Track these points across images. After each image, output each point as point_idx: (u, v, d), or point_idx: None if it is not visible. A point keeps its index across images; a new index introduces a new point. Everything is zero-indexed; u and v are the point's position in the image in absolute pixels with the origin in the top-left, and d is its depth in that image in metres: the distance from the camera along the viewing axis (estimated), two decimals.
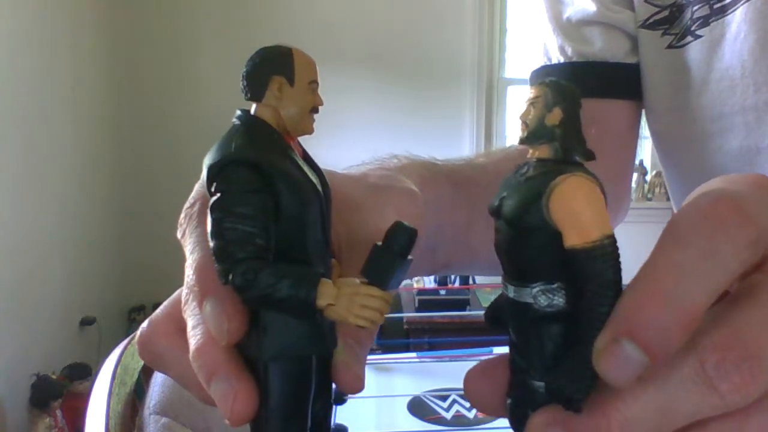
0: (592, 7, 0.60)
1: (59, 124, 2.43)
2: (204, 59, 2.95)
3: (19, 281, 2.16)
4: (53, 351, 2.32)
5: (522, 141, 0.23)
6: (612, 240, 0.21)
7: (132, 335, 0.94)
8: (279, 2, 2.93)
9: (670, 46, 0.57)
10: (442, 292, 2.71)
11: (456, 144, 3.02)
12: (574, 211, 0.21)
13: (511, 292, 0.23)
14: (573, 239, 0.21)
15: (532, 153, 0.23)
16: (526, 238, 0.22)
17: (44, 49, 2.31)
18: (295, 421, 0.24)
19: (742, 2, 0.50)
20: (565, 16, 0.62)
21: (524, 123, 0.23)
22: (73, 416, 2.13)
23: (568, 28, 0.62)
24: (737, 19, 0.51)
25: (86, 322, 2.56)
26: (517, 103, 3.06)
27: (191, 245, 0.27)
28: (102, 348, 2.50)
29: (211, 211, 0.23)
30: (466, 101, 3.03)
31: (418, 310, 2.64)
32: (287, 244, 0.23)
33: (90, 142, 2.66)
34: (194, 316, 0.25)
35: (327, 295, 0.22)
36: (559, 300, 0.22)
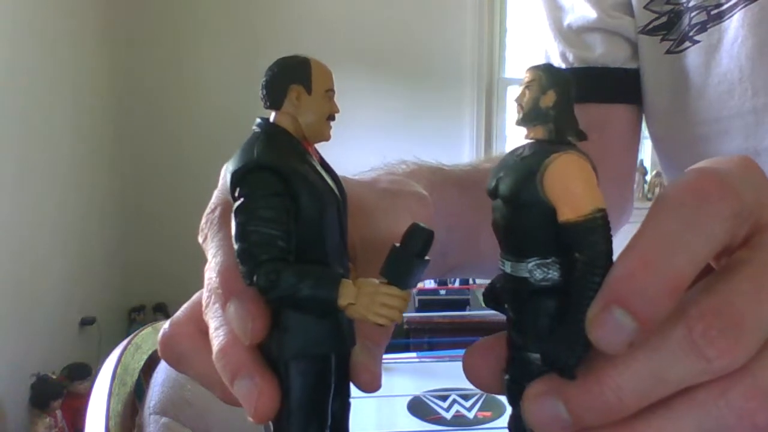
0: (592, 14, 0.61)
1: (59, 125, 2.43)
2: (205, 60, 2.95)
3: (19, 281, 2.16)
4: (53, 351, 2.32)
5: (518, 122, 0.24)
6: (603, 213, 0.21)
7: (132, 335, 0.94)
8: (279, 2, 2.93)
9: (668, 52, 0.57)
10: (442, 292, 2.71)
11: (456, 144, 3.02)
12: (566, 186, 0.22)
13: (507, 267, 0.24)
14: (566, 213, 0.22)
15: (528, 134, 0.24)
16: (522, 215, 0.23)
17: (44, 49, 2.31)
18: (315, 419, 0.25)
19: (739, 8, 0.51)
20: (565, 23, 0.63)
21: (519, 105, 0.24)
22: (73, 416, 2.13)
23: (569, 35, 0.63)
24: (734, 25, 0.52)
25: (86, 322, 2.56)
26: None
27: (214, 249, 0.28)
28: (102, 348, 2.50)
29: (235, 215, 0.24)
30: (466, 101, 3.03)
31: (418, 310, 2.64)
32: (307, 246, 0.24)
33: (90, 142, 2.66)
34: (217, 317, 0.26)
35: (348, 294, 0.23)
36: (553, 274, 0.22)
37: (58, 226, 2.42)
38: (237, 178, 0.24)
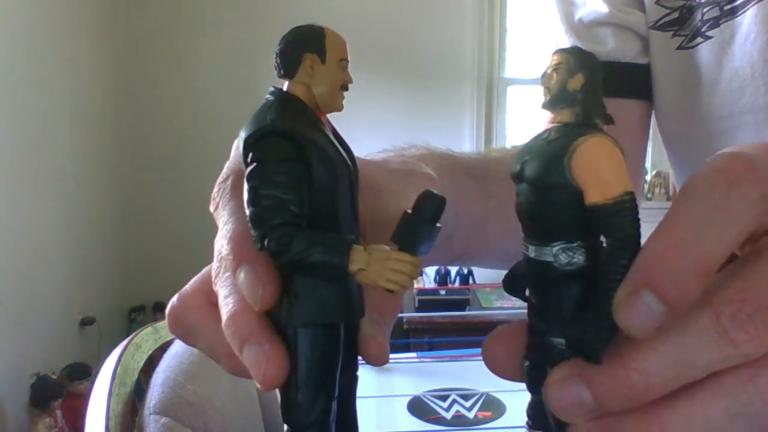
0: (603, 9, 0.61)
1: (58, 123, 2.43)
2: (205, 56, 2.95)
3: (19, 281, 2.16)
4: (53, 351, 2.32)
5: (544, 106, 0.24)
6: (632, 196, 0.21)
7: (132, 335, 0.94)
8: (280, 2, 2.93)
9: (680, 47, 0.57)
10: (442, 292, 2.71)
11: (456, 144, 2.98)
12: (595, 169, 0.21)
13: (531, 252, 0.23)
14: (594, 196, 0.21)
15: (554, 117, 0.23)
16: (548, 198, 0.22)
17: (44, 45, 2.31)
18: (323, 389, 0.25)
19: (752, 4, 0.51)
20: (576, 17, 0.63)
21: (546, 88, 0.23)
22: (73, 416, 2.13)
23: (580, 29, 0.63)
24: (747, 21, 0.52)
25: (86, 322, 2.56)
26: (517, 103, 3.06)
27: (225, 216, 0.28)
28: (102, 348, 2.50)
29: (247, 179, 0.24)
30: (466, 101, 3.03)
31: (418, 310, 2.63)
32: (319, 213, 0.24)
33: (90, 141, 2.66)
34: (226, 286, 0.26)
35: (358, 260, 0.23)
36: (579, 258, 0.22)
37: (57, 226, 2.42)
38: (250, 143, 0.24)
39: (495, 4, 2.99)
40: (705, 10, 0.54)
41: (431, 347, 2.26)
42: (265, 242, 0.23)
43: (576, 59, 0.23)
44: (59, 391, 2.12)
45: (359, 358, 0.27)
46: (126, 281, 2.91)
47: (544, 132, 0.24)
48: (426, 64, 2.97)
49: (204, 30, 2.95)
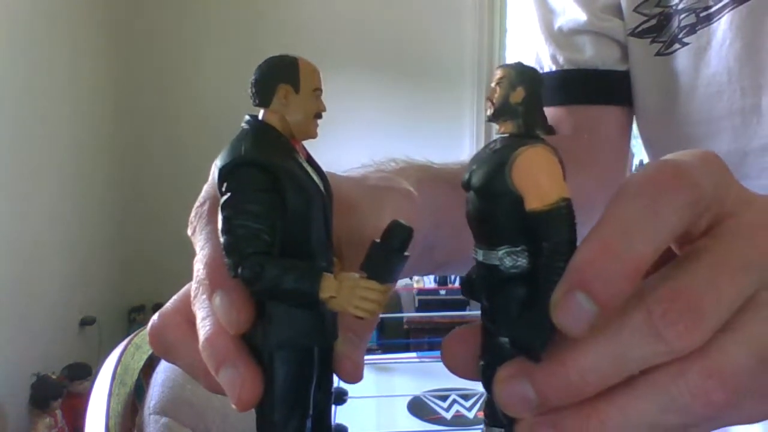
0: (582, 17, 0.62)
1: (58, 123, 2.43)
2: (206, 57, 2.95)
3: (19, 281, 2.16)
4: (53, 351, 2.32)
5: (488, 118, 0.25)
6: (568, 203, 0.23)
7: (132, 335, 0.94)
8: (279, 2, 2.93)
9: (658, 54, 0.58)
10: (442, 292, 2.72)
11: (456, 144, 3.02)
12: (533, 177, 0.23)
13: (480, 256, 0.25)
14: (533, 203, 0.23)
15: (499, 129, 0.25)
16: (493, 205, 0.24)
17: (43, 44, 2.31)
18: (298, 408, 0.26)
19: (727, 11, 0.52)
20: (556, 25, 0.64)
21: (491, 102, 0.25)
22: (73, 416, 2.13)
23: (560, 37, 0.64)
24: (723, 27, 0.53)
25: (86, 322, 2.56)
26: None
27: (202, 242, 0.28)
28: (102, 348, 2.50)
29: (222, 209, 0.25)
30: (466, 101, 3.03)
31: (418, 310, 2.64)
32: (292, 240, 0.25)
33: (90, 141, 2.66)
34: (203, 308, 0.27)
35: (329, 287, 0.24)
36: (522, 261, 0.23)
37: (57, 226, 2.42)
38: (224, 174, 0.25)
39: (495, 4, 2.99)
40: (682, 17, 0.55)
41: (431, 347, 2.26)
42: (239, 270, 0.24)
43: (517, 73, 0.24)
44: (59, 391, 2.12)
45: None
46: (126, 281, 2.91)
47: (491, 142, 0.25)
48: (425, 64, 2.97)
49: (205, 30, 2.95)
